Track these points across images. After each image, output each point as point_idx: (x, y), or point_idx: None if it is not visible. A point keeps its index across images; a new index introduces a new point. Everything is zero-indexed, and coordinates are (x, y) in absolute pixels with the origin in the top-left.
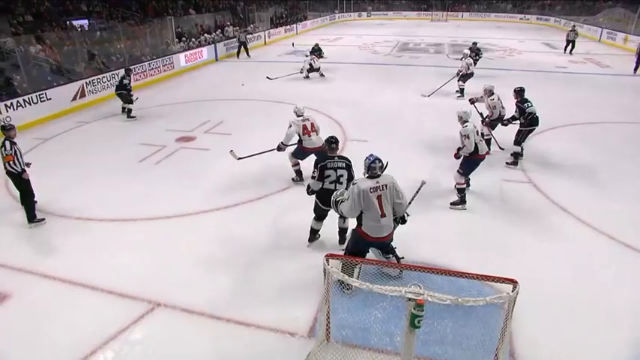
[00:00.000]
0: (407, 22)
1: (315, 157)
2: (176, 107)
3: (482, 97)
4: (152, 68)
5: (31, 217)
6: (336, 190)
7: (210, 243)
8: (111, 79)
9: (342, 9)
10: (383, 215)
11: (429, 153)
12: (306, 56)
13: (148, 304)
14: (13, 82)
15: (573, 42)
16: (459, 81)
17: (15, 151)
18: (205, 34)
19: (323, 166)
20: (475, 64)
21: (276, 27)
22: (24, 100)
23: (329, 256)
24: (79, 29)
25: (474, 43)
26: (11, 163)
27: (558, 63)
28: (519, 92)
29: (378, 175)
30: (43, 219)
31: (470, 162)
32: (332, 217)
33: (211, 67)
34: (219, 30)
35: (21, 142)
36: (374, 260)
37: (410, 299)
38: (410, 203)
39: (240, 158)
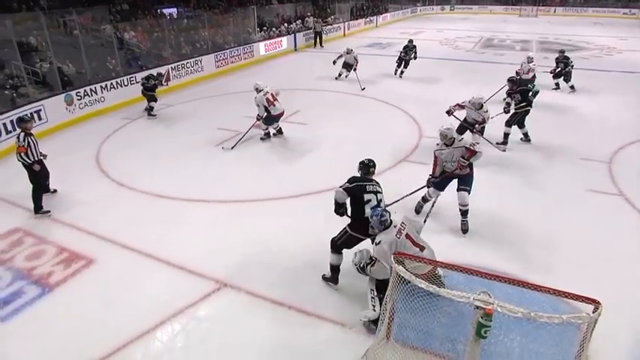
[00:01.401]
0: (492, 17)
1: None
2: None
3: (455, 107)
4: (233, 55)
5: (37, 208)
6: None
7: (279, 230)
8: (194, 65)
9: (425, 2)
10: (422, 249)
11: (516, 161)
12: (340, 56)
13: (215, 283)
14: (109, 66)
15: None
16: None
17: (29, 142)
18: (285, 24)
19: (360, 187)
20: (566, 75)
21: (356, 19)
22: (117, 83)
23: (397, 255)
24: (168, 17)
25: (562, 52)
26: (22, 154)
27: None
28: (515, 81)
29: (391, 222)
30: (49, 211)
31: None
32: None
33: (290, 56)
34: (300, 20)
35: (110, 121)
36: (440, 262)
37: (478, 307)
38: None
39: (233, 147)
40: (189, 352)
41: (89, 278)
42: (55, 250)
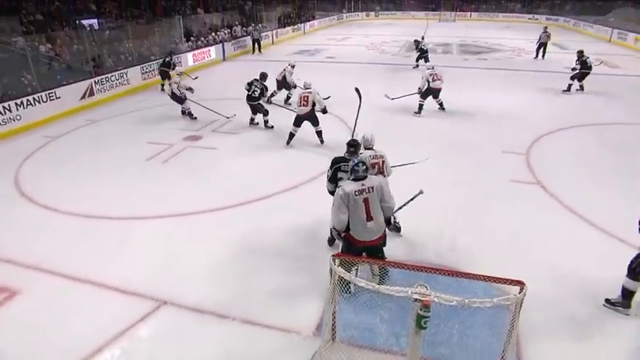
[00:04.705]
0: (415, 22)
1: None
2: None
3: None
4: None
5: None
6: None
7: (217, 242)
8: (119, 78)
9: (350, 9)
10: (369, 219)
11: (439, 157)
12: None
13: (154, 302)
14: (24, 81)
15: (545, 45)
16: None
17: None
18: (213, 33)
19: (337, 168)
20: (424, 59)
21: (284, 27)
22: (34, 99)
23: (335, 256)
24: (88, 28)
25: (416, 41)
26: None
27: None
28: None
29: (364, 177)
30: None
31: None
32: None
33: (219, 66)
34: (228, 29)
35: (30, 139)
36: (379, 260)
37: (416, 300)
38: (400, 208)
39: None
40: None
41: (12, 312)
42: None
